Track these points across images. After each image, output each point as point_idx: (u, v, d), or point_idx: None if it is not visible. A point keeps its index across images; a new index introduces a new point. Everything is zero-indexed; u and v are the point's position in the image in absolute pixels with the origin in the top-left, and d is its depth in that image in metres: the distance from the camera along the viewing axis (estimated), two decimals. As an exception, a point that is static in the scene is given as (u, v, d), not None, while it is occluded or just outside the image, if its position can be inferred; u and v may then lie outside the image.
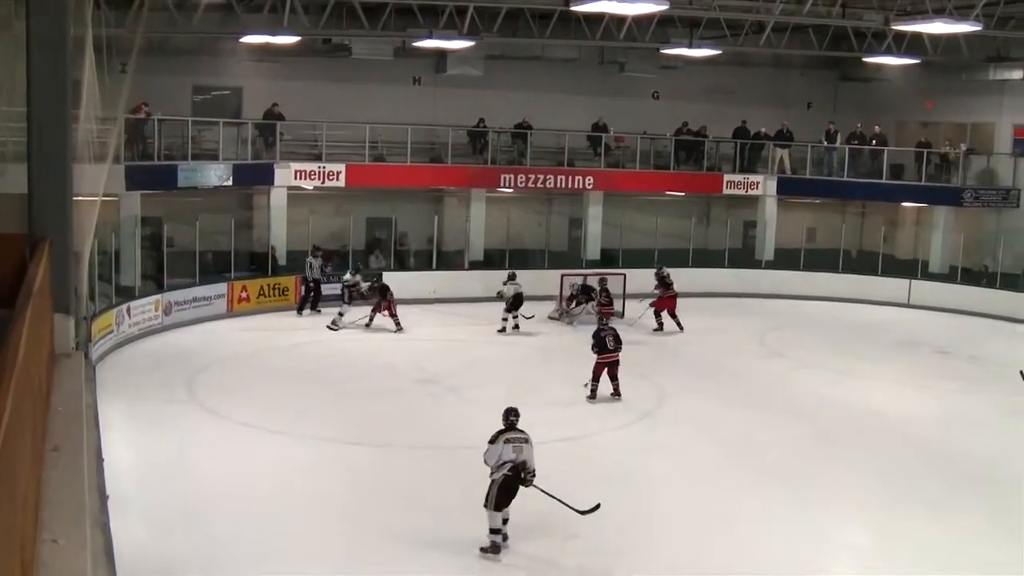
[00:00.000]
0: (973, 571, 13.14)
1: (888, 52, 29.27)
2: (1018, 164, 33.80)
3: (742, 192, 34.53)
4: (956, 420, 20.13)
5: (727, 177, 34.30)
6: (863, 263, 34.05)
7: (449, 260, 31.00)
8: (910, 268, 33.36)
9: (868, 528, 14.56)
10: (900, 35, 27.98)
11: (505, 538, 12.92)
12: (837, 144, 34.46)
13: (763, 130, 34.69)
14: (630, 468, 16.41)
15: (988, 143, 34.90)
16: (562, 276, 28.12)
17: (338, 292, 26.78)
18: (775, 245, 34.69)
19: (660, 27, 28.49)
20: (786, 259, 33.88)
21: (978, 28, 23.65)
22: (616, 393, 20.07)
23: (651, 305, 26.86)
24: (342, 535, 13.43)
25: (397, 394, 20.27)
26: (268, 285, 27.53)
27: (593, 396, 19.98)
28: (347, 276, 26.84)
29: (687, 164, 34.27)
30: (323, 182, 29.26)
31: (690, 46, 29.05)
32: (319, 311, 26.92)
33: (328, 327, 25.47)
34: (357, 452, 16.89)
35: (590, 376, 20.06)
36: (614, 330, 20.58)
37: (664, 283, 27.08)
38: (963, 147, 34.22)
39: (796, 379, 22.99)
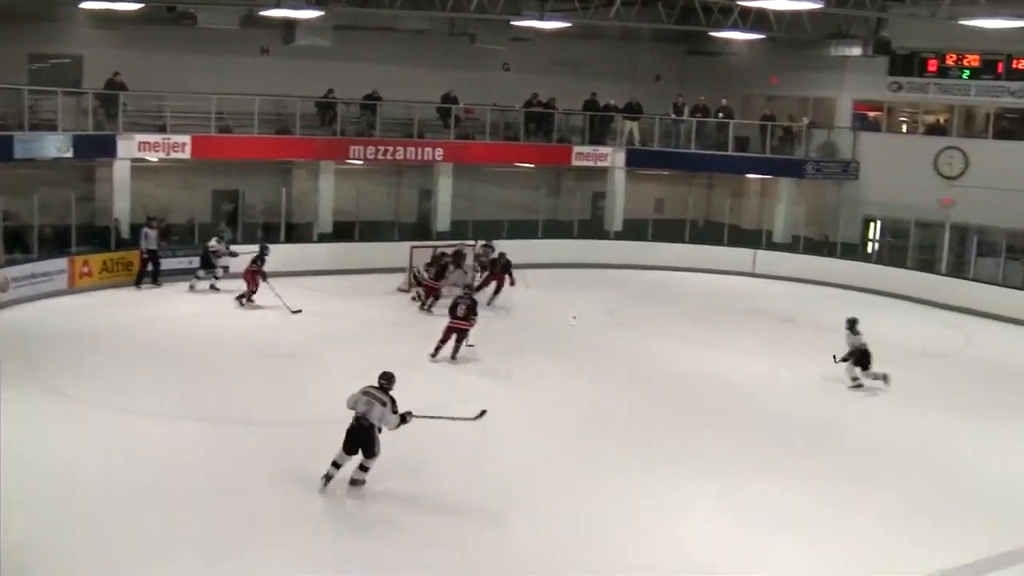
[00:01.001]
0: (804, 523, 14.22)
1: (735, 27, 30.17)
2: (857, 137, 35.27)
3: (591, 164, 35.24)
4: (799, 385, 21.09)
5: (576, 149, 34.95)
6: (710, 233, 35.06)
7: (298, 233, 30.96)
8: (755, 238, 34.66)
9: (719, 492, 15.30)
10: (746, 10, 28.91)
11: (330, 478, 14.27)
12: (685, 117, 35.33)
13: (612, 102, 35.38)
14: (484, 440, 16.74)
15: (829, 117, 36.34)
16: (412, 248, 28.37)
17: (189, 264, 26.62)
18: (624, 216, 35.61)
19: (511, -1, 28.79)
20: (635, 230, 34.78)
21: (820, 6, 24.55)
22: (453, 357, 21.32)
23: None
24: (201, 515, 13.54)
25: (245, 369, 20.30)
26: (111, 260, 27.22)
27: (434, 354, 21.30)
28: (212, 242, 26.96)
29: (536, 136, 34.82)
30: (168, 154, 28.96)
31: (541, 18, 29.53)
32: (159, 284, 26.84)
33: (238, 300, 25.66)
34: (208, 429, 16.90)
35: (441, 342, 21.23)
36: (472, 299, 21.47)
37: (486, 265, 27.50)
38: (806, 121, 35.60)
39: (644, 348, 23.75)
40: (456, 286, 26.58)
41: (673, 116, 35.75)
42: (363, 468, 14.36)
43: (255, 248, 26.36)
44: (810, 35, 32.46)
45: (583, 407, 19.15)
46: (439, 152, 32.74)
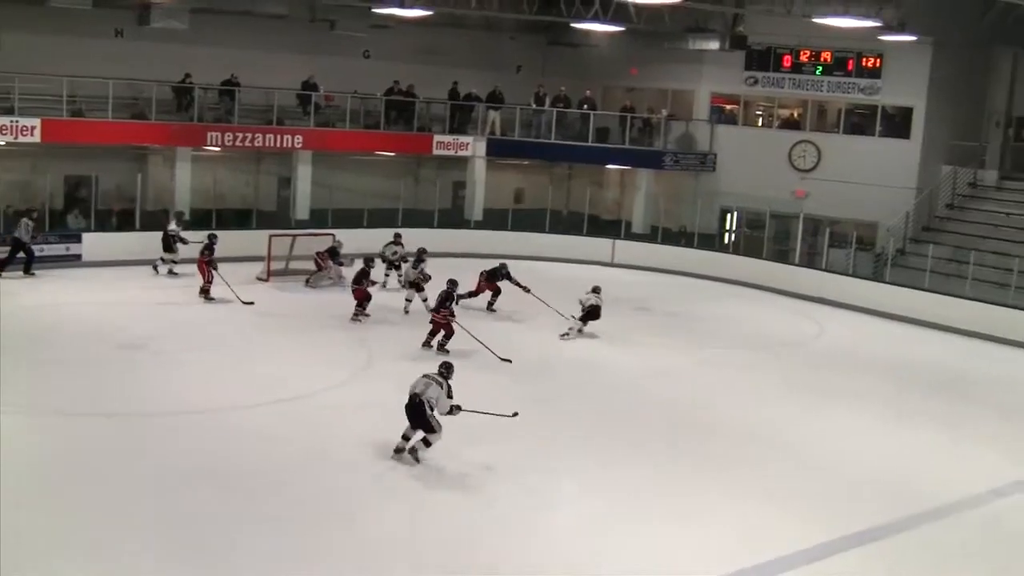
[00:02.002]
0: (672, 513, 14.64)
1: (595, 18, 30.77)
2: (715, 130, 36.22)
3: (452, 153, 35.55)
4: (654, 371, 21.64)
5: (437, 138, 35.22)
6: (570, 223, 35.57)
7: (154, 220, 30.45)
8: (614, 228, 35.22)
9: (582, 474, 15.77)
10: (607, 2, 29.60)
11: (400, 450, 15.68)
12: (546, 107, 35.77)
13: (474, 91, 35.67)
14: (345, 425, 17.02)
15: (688, 110, 37.26)
16: (270, 236, 28.23)
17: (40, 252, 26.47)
18: (484, 205, 35.93)
19: (372, -14, 28.89)
20: (495, 219, 35.09)
21: (678, 0, 25.10)
22: (429, 346, 22.17)
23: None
24: (49, 512, 13.31)
25: (101, 361, 19.92)
26: (-47, 245, 26.50)
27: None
28: (172, 225, 27.51)
29: (397, 124, 34.98)
30: (16, 137, 28.35)
31: (402, 6, 29.72)
32: (33, 274, 26.17)
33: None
34: (62, 423, 16.57)
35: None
36: (447, 291, 22.18)
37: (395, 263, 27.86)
38: (664, 113, 36.33)
39: (504, 336, 23.92)
40: (332, 281, 26.82)
41: (534, 106, 36.20)
42: (426, 442, 15.66)
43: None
44: (669, 28, 33.26)
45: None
46: (298, 139, 32.68)
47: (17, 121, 28.21)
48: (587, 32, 34.30)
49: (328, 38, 33.42)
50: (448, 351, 21.34)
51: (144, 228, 29.64)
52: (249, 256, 28.45)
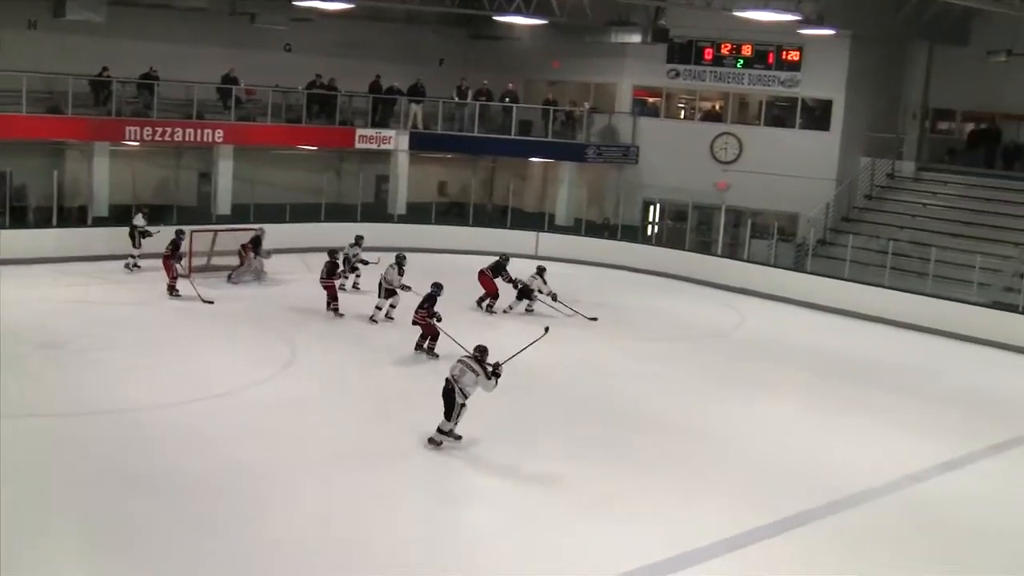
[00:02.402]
0: (597, 506, 14.75)
1: (517, 12, 30.87)
2: (637, 123, 36.48)
3: (375, 147, 35.49)
4: (579, 363, 21.77)
5: (359, 131, 35.12)
6: (494, 216, 35.66)
7: (71, 216, 30.11)
8: (537, 221, 35.35)
9: (497, 470, 15.82)
10: (528, -5, 29.49)
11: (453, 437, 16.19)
12: (468, 100, 35.78)
13: (396, 85, 35.56)
14: (266, 424, 16.91)
15: (610, 102, 37.46)
16: (191, 232, 27.89)
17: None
18: (407, 199, 35.86)
19: (293, -22, 28.72)
20: (418, 213, 35.06)
21: (600, -7, 25.29)
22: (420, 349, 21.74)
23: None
24: None
25: (20, 360, 19.61)
26: None
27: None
28: (138, 219, 27.81)
29: (319, 118, 34.80)
30: (-77, 132, 27.74)
31: (323, -1, 29.41)
32: None
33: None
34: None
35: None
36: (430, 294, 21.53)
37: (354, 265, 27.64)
38: (587, 106, 36.48)
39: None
40: (253, 274, 26.67)
41: (456, 99, 36.19)
42: (440, 430, 16.04)
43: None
44: (591, 22, 33.39)
45: (367, 389, 19.55)
46: (219, 134, 32.40)
47: (-76, 115, 27.76)
48: (510, 25, 34.41)
49: (249, 31, 33.17)
50: (437, 355, 21.11)
51: (61, 225, 29.28)
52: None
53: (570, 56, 37.30)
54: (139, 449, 15.54)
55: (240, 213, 31.83)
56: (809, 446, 17.82)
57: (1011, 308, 26.82)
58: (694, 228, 33.96)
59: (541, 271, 26.58)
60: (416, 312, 21.37)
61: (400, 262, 24.65)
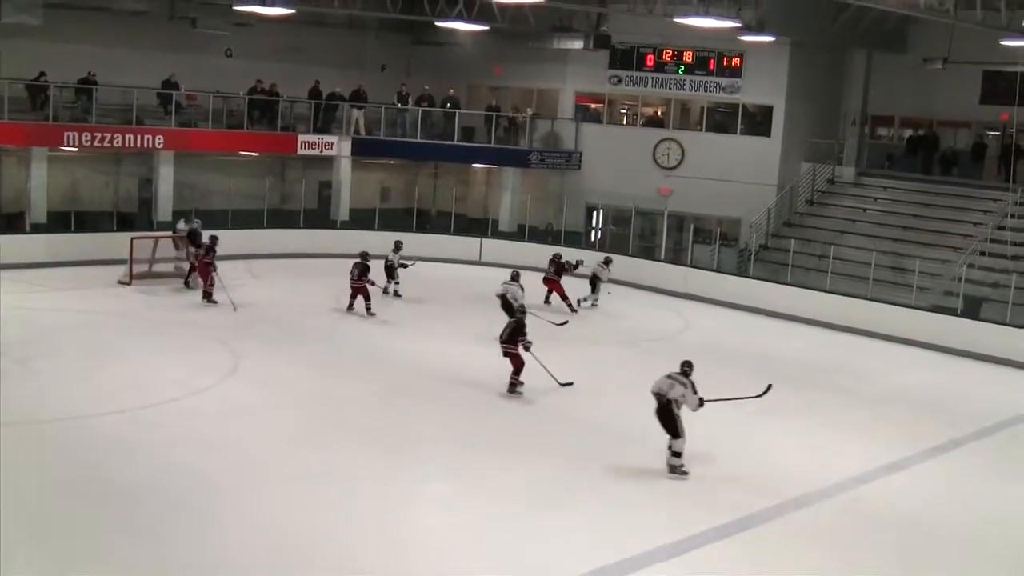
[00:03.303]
0: (547, 511, 14.76)
1: (459, 17, 30.95)
2: (580, 128, 36.64)
3: (317, 152, 35.33)
4: (525, 373, 21.60)
5: (302, 137, 34.96)
6: (437, 222, 35.64)
7: (9, 223, 29.72)
8: (481, 227, 35.38)
9: (448, 475, 15.80)
10: (471, 1, 29.64)
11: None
12: (410, 106, 35.74)
13: (338, 90, 35.43)
14: (211, 433, 16.78)
15: (553, 108, 37.61)
16: (132, 239, 27.70)
17: None
18: (350, 205, 35.75)
19: (234, -18, 28.55)
20: (362, 219, 34.97)
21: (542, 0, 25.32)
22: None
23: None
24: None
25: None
26: None
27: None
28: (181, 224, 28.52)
29: (261, 124, 34.61)
30: None
31: (263, 4, 29.39)
32: None
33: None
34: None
35: None
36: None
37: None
38: (530, 112, 36.61)
39: (374, 337, 24.09)
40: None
41: (398, 105, 36.14)
42: (674, 453, 16.00)
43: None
44: (533, 28, 33.50)
45: (311, 395, 19.47)
46: (159, 139, 32.08)
47: None
48: (451, 31, 34.43)
49: (189, 36, 32.89)
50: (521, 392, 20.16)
51: (-1, 231, 28.98)
52: (110, 259, 27.96)
53: (512, 62, 37.39)
54: (82, 458, 15.38)
55: (180, 219, 31.52)
56: (753, 448, 17.96)
57: (950, 311, 27.20)
58: (637, 233, 34.15)
59: (608, 261, 28.90)
60: (504, 344, 19.94)
61: (398, 246, 27.86)
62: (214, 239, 26.33)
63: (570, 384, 20.36)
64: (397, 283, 28.06)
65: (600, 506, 14.87)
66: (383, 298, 27.17)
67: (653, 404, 16.17)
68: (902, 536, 14.81)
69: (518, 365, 19.90)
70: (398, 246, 28.26)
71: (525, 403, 19.62)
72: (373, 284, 26.00)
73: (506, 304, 23.75)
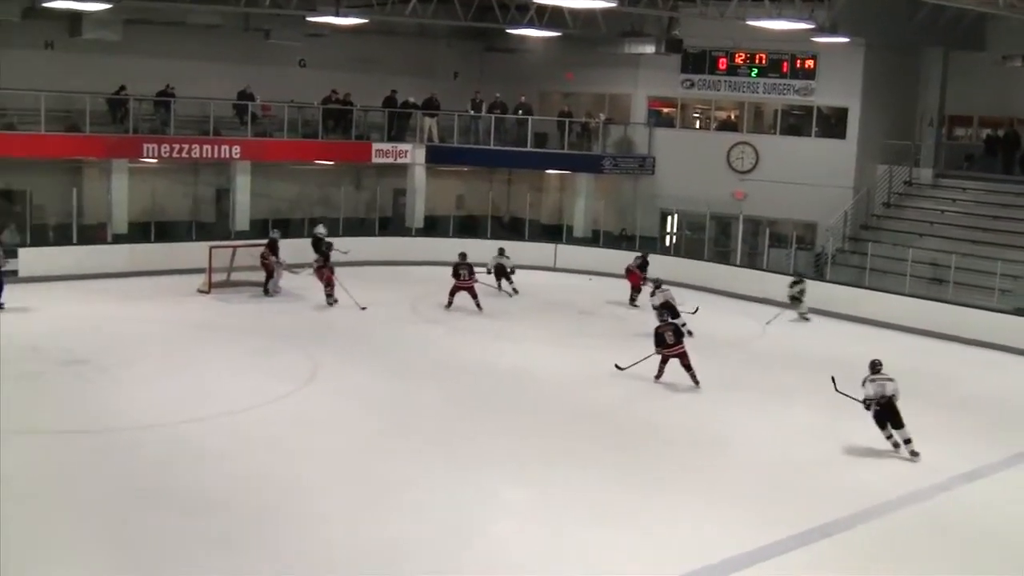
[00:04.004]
0: (623, 518, 14.64)
1: (531, 24, 30.94)
2: (653, 133, 36.49)
3: (391, 160, 35.52)
4: (597, 376, 21.64)
5: (376, 146, 35.18)
6: (512, 228, 35.66)
7: (91, 234, 30.24)
8: (555, 233, 35.33)
9: (527, 486, 15.71)
10: (542, 8, 29.67)
11: (896, 445, 17.63)
12: (483, 113, 35.82)
13: (411, 99, 35.59)
14: (289, 440, 16.92)
15: (625, 113, 37.48)
16: (210, 248, 28.05)
17: None
18: (425, 212, 35.87)
19: (306, -6, 28.77)
20: (436, 226, 35.08)
21: (613, 4, 25.30)
22: (694, 381, 21.22)
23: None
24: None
25: (41, 377, 19.72)
26: None
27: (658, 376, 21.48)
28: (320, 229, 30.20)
29: (335, 133, 34.85)
30: (-53, 152, 27.86)
31: (337, 14, 29.47)
32: (2, 306, 24.77)
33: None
34: (2, 443, 16.14)
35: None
36: (674, 325, 21.70)
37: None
38: (602, 117, 36.51)
39: (450, 344, 24.12)
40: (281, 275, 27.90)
41: (471, 112, 36.23)
42: (907, 441, 17.52)
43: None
44: (605, 33, 33.37)
45: (390, 403, 19.51)
46: (236, 150, 32.48)
47: (-54, 135, 27.89)
48: (523, 38, 34.44)
49: (263, 47, 33.24)
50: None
51: (81, 242, 29.45)
52: (189, 268, 28.37)
53: (584, 68, 37.30)
54: (160, 465, 15.57)
55: (258, 228, 31.90)
56: (833, 456, 17.74)
57: (1033, 314, 26.72)
58: (711, 238, 33.94)
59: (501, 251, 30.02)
60: (673, 347, 21.07)
61: (502, 251, 29.97)
62: (329, 245, 27.67)
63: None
64: (512, 284, 29.73)
65: (676, 514, 14.77)
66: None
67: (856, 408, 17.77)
68: (981, 547, 14.51)
69: (688, 361, 21.10)
70: (502, 252, 29.99)
71: (601, 410, 19.56)
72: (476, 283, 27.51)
73: (669, 307, 23.98)
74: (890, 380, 17.62)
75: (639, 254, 30.20)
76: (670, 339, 21.14)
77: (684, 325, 22.99)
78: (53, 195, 30.47)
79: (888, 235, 32.09)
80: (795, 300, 28.58)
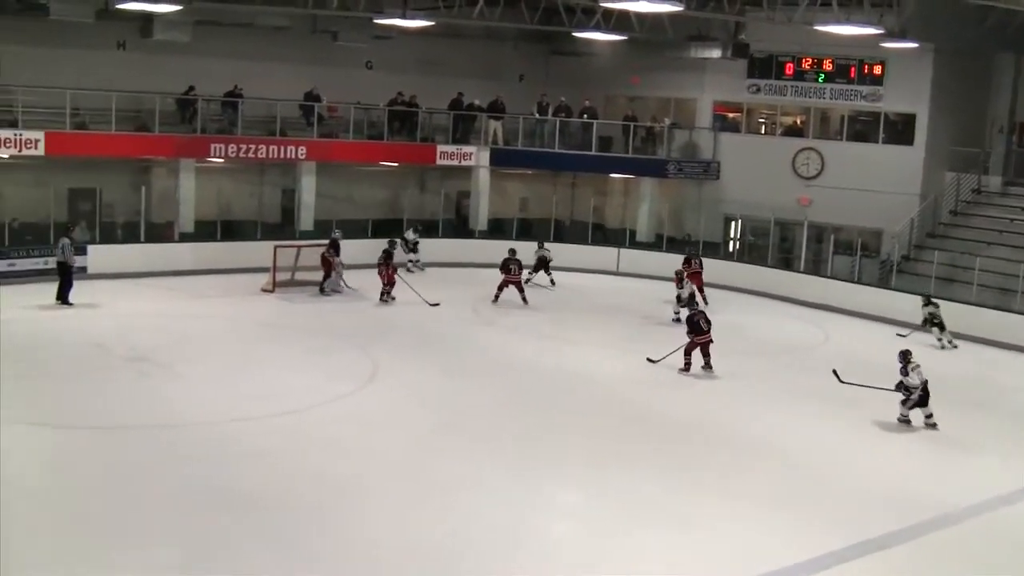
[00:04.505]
0: (676, 522, 14.61)
1: (597, 28, 30.88)
2: (718, 138, 36.25)
3: (456, 163, 35.61)
4: (659, 381, 21.55)
5: (440, 148, 35.28)
6: (575, 232, 35.60)
7: (158, 232, 30.61)
8: (619, 237, 35.23)
9: (581, 488, 15.70)
10: (608, 12, 29.52)
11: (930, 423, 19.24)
12: (548, 116, 35.80)
13: (476, 101, 35.66)
14: (348, 439, 17.00)
15: (690, 118, 37.33)
16: (275, 248, 28.28)
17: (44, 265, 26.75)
18: (489, 215, 35.89)
19: (373, -4, 28.90)
20: (500, 229, 35.11)
21: (680, 8, 25.13)
22: (708, 367, 22.32)
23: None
24: (51, 524, 13.36)
25: (107, 373, 20.01)
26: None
27: (686, 368, 22.36)
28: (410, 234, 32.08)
29: (400, 135, 34.98)
30: (20, 151, 28.42)
31: (403, 16, 29.60)
32: (70, 304, 25.08)
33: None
34: (68, 437, 16.60)
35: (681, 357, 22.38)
36: (704, 313, 22.80)
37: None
38: (667, 121, 36.38)
39: (510, 346, 24.22)
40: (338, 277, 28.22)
41: (537, 115, 36.22)
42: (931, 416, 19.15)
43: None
44: (671, 37, 33.24)
45: (449, 403, 19.58)
46: (302, 150, 32.74)
47: (21, 134, 28.33)
48: (589, 41, 34.38)
49: (330, 49, 33.45)
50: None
51: (149, 240, 29.84)
52: (254, 267, 28.61)
53: (650, 72, 37.17)
54: (217, 462, 15.72)
55: (323, 229, 32.08)
56: (894, 465, 17.52)
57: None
58: (775, 244, 33.66)
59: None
60: (705, 335, 22.25)
61: (542, 244, 31.13)
62: (393, 243, 28.81)
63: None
64: (549, 273, 30.77)
65: (731, 521, 14.62)
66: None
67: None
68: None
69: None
70: (542, 244, 31.14)
71: (656, 413, 19.47)
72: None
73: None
74: (919, 365, 19.13)
75: (692, 256, 30.29)
76: (704, 326, 22.19)
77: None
78: (122, 194, 30.90)
79: (955, 243, 31.63)
80: (929, 323, 26.64)
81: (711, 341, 22.15)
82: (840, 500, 15.74)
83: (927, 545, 14.43)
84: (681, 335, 22.78)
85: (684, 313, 24.55)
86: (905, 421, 19.35)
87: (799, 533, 14.35)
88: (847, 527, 14.60)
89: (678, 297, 27.29)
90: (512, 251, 28.39)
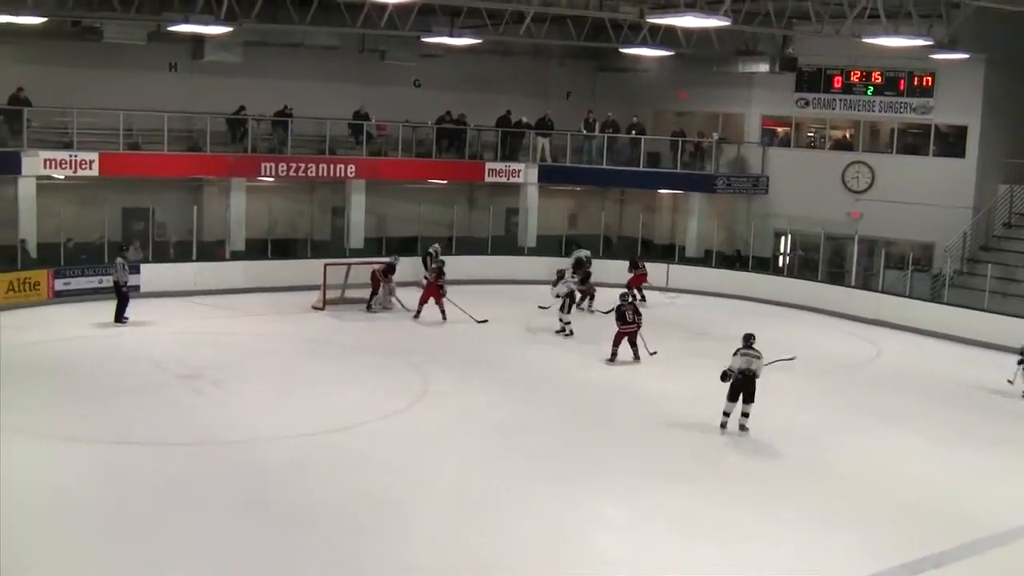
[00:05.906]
0: (723, 537, 14.50)
1: (644, 44, 30.81)
2: (766, 152, 36.05)
3: (504, 180, 35.62)
4: (700, 395, 21.30)
5: (489, 165, 35.31)
6: (623, 248, 35.50)
7: (210, 250, 30.84)
8: (668, 252, 35.13)
9: (626, 501, 15.61)
10: (655, 27, 29.46)
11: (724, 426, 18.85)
12: (596, 133, 35.78)
13: (524, 119, 35.71)
14: (398, 457, 17.00)
15: (739, 132, 37.16)
16: (325, 265, 28.42)
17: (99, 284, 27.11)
18: (537, 232, 35.87)
19: (421, 15, 29.16)
20: (549, 245, 35.06)
21: (727, 23, 25.03)
22: (636, 358, 23.91)
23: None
24: (116, 542, 13.45)
25: (160, 389, 20.14)
26: (18, 280, 26.92)
27: (612, 359, 23.85)
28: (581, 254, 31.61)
29: (449, 152, 35.07)
30: (75, 171, 28.81)
31: (451, 35, 29.75)
32: (125, 320, 25.52)
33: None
34: (121, 452, 16.78)
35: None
36: (634, 305, 24.38)
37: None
38: (715, 136, 36.24)
39: (559, 362, 24.11)
40: (384, 300, 28.19)
41: (584, 132, 36.21)
42: (746, 415, 18.64)
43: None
44: (718, 52, 33.13)
45: (497, 420, 19.52)
46: (351, 169, 32.90)
47: (76, 155, 28.73)
48: (636, 57, 34.34)
49: (378, 68, 33.67)
50: None
51: (200, 259, 30.06)
52: (304, 285, 28.74)
53: (697, 87, 37.05)
54: (266, 478, 15.77)
55: (372, 246, 32.25)
56: (947, 482, 17.27)
57: None
58: (826, 259, 33.40)
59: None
60: (630, 325, 23.75)
61: (579, 246, 32.01)
62: (441, 261, 28.45)
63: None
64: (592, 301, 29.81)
65: (784, 538, 14.49)
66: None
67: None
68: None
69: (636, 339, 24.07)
70: (579, 246, 31.91)
71: (704, 429, 19.27)
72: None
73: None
74: (757, 357, 18.56)
75: (637, 259, 32.12)
76: (630, 317, 23.81)
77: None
78: (174, 213, 31.19)
79: (1009, 256, 31.21)
80: None
81: (637, 331, 23.77)
82: (888, 516, 15.51)
83: (982, 565, 14.18)
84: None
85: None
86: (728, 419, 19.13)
87: (850, 550, 14.17)
88: (896, 545, 14.38)
89: (557, 295, 27.52)
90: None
